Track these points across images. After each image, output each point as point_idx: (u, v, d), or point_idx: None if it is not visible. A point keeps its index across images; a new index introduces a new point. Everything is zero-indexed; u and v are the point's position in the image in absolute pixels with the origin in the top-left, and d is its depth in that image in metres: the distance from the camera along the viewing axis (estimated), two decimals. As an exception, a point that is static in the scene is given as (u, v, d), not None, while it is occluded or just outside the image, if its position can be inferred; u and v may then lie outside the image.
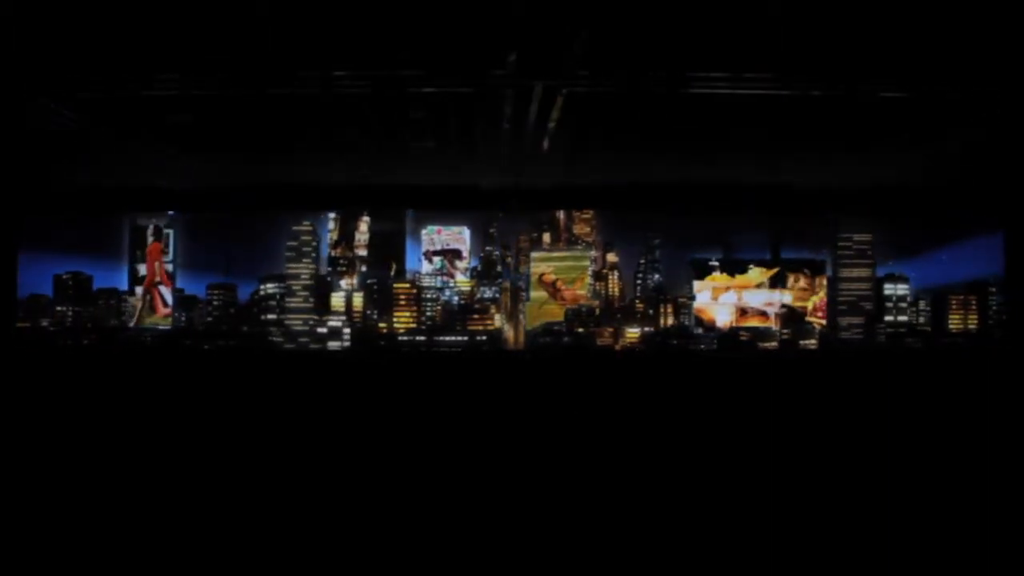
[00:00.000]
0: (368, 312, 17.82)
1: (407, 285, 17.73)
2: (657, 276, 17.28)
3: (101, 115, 8.46)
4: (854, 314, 16.26)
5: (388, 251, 18.26)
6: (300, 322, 17.65)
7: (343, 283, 18.02)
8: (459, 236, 17.95)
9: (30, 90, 7.61)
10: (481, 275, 17.87)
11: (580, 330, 16.86)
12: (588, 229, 17.57)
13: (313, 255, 17.88)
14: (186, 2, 5.94)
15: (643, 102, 8.30)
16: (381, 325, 17.69)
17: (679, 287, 17.09)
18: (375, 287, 17.94)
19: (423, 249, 18.25)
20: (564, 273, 17.50)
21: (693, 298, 16.89)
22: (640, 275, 17.44)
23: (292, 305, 17.80)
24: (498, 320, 17.53)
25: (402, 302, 17.66)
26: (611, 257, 17.56)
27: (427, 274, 17.98)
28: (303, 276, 17.83)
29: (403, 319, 17.75)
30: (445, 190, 12.74)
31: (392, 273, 17.91)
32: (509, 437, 5.83)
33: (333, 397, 8.29)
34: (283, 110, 8.30)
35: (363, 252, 18.13)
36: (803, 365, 15.01)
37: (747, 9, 6.13)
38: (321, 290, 17.89)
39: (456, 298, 17.94)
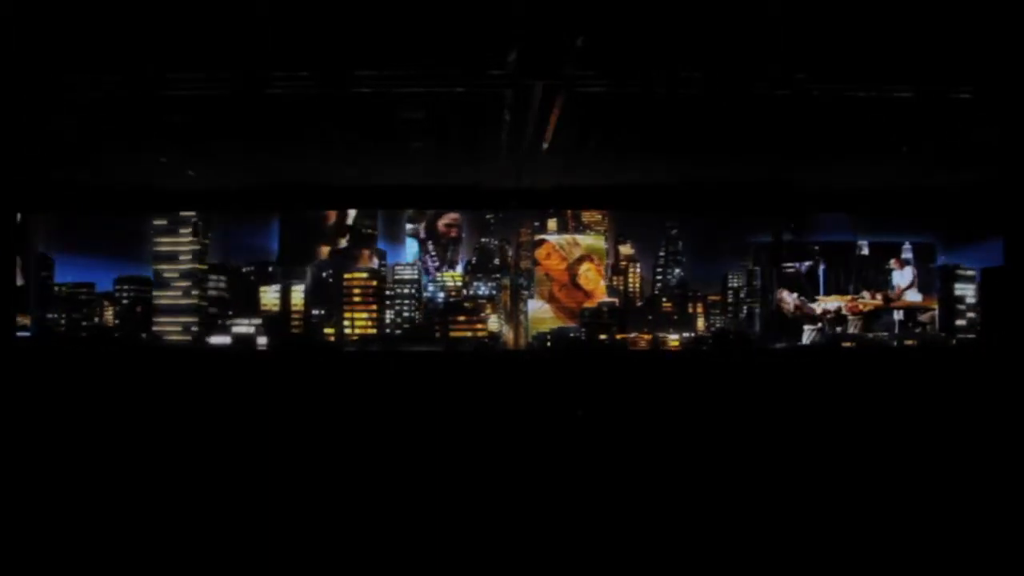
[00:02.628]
0: (316, 312, 13.98)
1: (363, 275, 14.02)
2: (678, 270, 15.43)
3: (101, 115, 8.53)
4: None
5: (368, 238, 14.71)
6: (179, 328, 13.00)
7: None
8: (452, 220, 15.24)
9: (32, 88, 7.71)
10: (476, 268, 15.15)
11: (603, 337, 14.03)
12: (599, 217, 15.56)
13: (198, 224, 13.48)
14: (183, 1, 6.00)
15: (646, 102, 8.27)
16: (328, 331, 13.76)
17: (706, 283, 15.22)
18: (329, 279, 14.13)
19: (407, 230, 15.00)
20: (591, 251, 15.02)
21: (770, 294, 14.36)
22: (660, 270, 15.48)
23: (163, 303, 13.17)
24: (493, 323, 14.60)
25: (356, 299, 13.89)
26: (625, 249, 15.62)
27: (408, 264, 14.66)
28: (181, 258, 13.18)
29: (359, 322, 13.76)
30: (445, 190, 12.41)
31: (376, 264, 14.63)
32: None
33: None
34: (282, 110, 8.36)
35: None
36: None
37: (749, 9, 6.11)
38: (224, 282, 13.69)
39: (442, 294, 14.84)
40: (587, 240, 15.41)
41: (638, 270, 15.52)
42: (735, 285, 15.20)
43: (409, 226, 15.00)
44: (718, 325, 14.94)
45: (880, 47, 6.74)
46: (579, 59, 7.02)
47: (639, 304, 15.32)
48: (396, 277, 14.68)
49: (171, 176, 10.76)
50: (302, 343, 13.28)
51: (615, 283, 15.41)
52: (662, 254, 15.64)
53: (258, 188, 11.50)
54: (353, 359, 12.61)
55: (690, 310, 15.05)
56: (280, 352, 12.80)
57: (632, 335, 14.52)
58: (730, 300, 15.21)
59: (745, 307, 15.05)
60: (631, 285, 15.48)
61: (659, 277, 15.58)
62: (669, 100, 8.24)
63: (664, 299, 15.19)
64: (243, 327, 12.51)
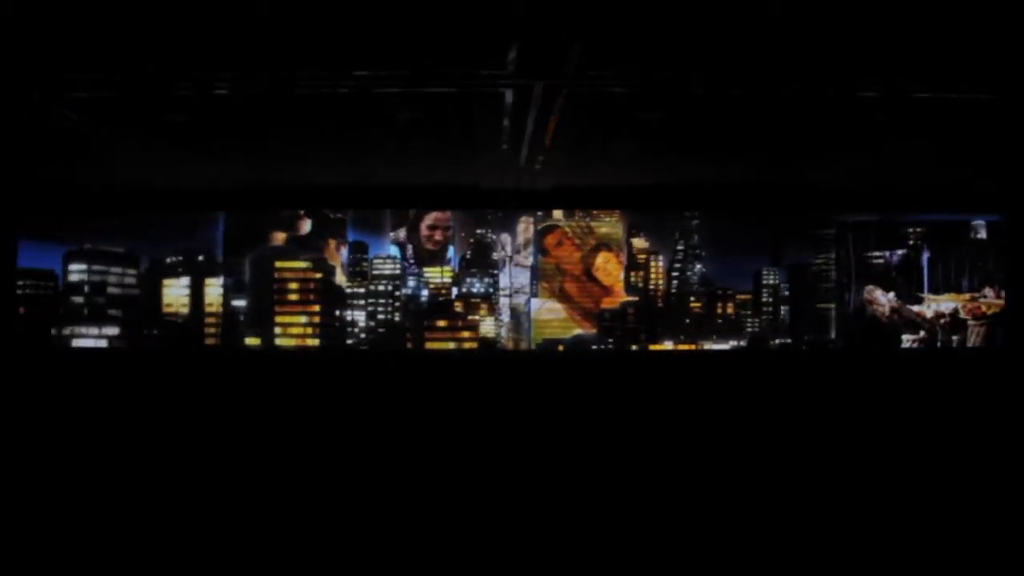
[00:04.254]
0: (249, 314, 11.32)
1: (302, 265, 11.36)
2: (699, 266, 13.69)
3: (101, 115, 8.58)
4: None
5: (336, 224, 12.29)
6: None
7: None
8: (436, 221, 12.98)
9: (30, 89, 7.77)
10: (471, 263, 13.03)
11: (633, 348, 11.72)
12: (608, 208, 13.58)
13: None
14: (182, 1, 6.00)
15: (647, 101, 8.17)
16: (251, 341, 11.14)
17: (722, 279, 13.32)
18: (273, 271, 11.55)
19: (389, 237, 12.75)
20: (608, 239, 12.69)
21: (847, 293, 11.68)
22: (679, 265, 13.67)
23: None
24: (488, 328, 12.29)
25: (292, 295, 11.24)
26: (639, 242, 13.60)
27: (389, 258, 12.40)
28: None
29: (294, 329, 11.13)
30: (444, 190, 12.02)
31: (345, 258, 12.27)
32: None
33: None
34: (279, 110, 8.37)
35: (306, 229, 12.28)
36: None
37: (748, 8, 6.01)
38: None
39: (425, 292, 12.50)
40: (603, 228, 13.34)
41: (660, 264, 13.39)
42: (771, 282, 13.29)
43: (391, 234, 13.00)
44: (750, 329, 12.89)
45: (892, 45, 6.59)
46: (579, 59, 7.02)
47: (659, 304, 13.21)
48: (375, 272, 12.42)
49: (166, 176, 10.77)
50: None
51: (633, 279, 13.36)
52: (680, 248, 13.76)
53: (253, 188, 11.37)
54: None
55: (719, 310, 12.99)
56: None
57: (668, 345, 12.02)
58: (765, 299, 13.28)
59: (783, 307, 13.07)
60: (653, 282, 13.34)
61: (676, 273, 13.65)
62: (671, 99, 8.18)
63: (692, 298, 13.14)
64: (88, 339, 8.59)
